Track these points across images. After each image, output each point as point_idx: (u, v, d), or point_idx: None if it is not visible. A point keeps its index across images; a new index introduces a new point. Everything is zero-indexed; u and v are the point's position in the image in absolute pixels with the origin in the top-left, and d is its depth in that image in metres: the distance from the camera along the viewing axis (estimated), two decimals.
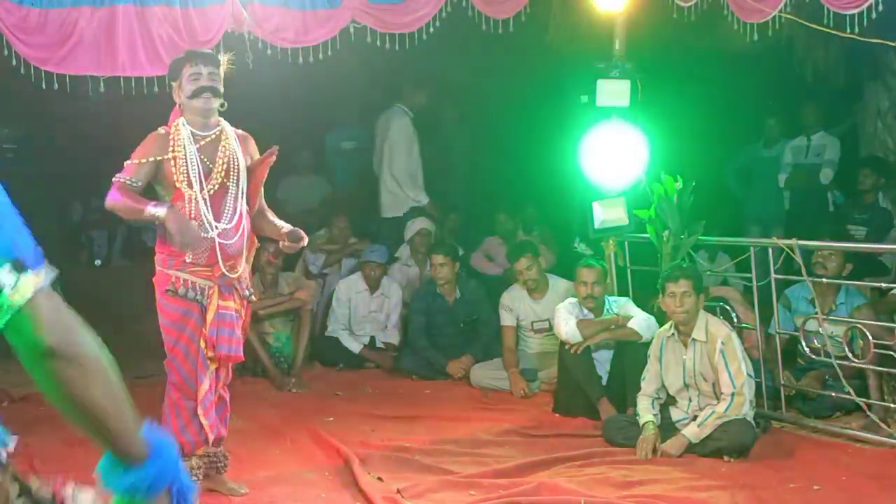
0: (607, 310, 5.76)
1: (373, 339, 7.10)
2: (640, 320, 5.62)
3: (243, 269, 4.14)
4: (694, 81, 7.94)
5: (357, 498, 4.28)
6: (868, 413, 5.04)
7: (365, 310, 7.10)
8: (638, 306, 5.79)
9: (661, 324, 5.36)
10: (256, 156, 4.22)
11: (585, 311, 5.76)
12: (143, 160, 3.99)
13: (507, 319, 6.43)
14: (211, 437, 4.12)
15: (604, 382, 5.66)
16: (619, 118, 5.95)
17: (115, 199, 3.95)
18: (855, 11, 5.00)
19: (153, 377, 6.67)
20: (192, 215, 3.95)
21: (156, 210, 3.87)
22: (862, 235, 7.27)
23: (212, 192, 4.01)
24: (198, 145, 4.02)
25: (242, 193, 4.10)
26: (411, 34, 5.57)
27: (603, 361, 5.71)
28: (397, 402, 6.10)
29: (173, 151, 3.98)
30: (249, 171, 4.14)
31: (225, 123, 4.13)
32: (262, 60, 5.33)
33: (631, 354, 5.50)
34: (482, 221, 8.58)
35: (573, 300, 5.82)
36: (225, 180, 4.03)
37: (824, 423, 5.23)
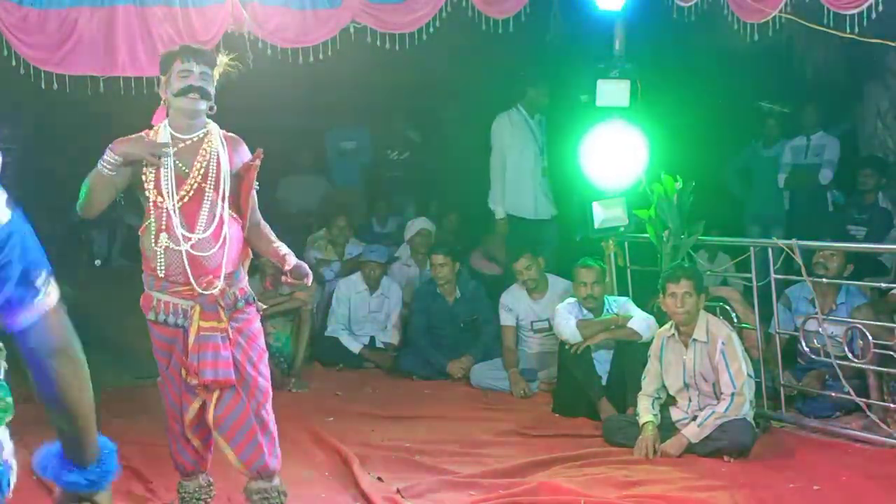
0: (607, 310, 5.76)
1: (373, 339, 7.10)
2: (640, 320, 5.63)
3: (231, 282, 3.70)
4: (694, 81, 7.93)
5: (357, 498, 4.29)
6: (868, 413, 5.04)
7: (365, 310, 7.10)
8: (638, 306, 5.79)
9: (661, 324, 5.36)
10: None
11: (585, 311, 5.76)
12: (122, 147, 3.61)
13: (506, 319, 6.43)
14: (209, 457, 3.91)
15: (604, 382, 5.65)
16: (618, 118, 5.96)
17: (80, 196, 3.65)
18: (855, 11, 5.00)
19: (153, 377, 6.69)
20: (164, 226, 3.59)
21: (102, 158, 3.55)
22: (862, 235, 7.27)
23: (186, 198, 3.61)
24: (175, 149, 3.64)
25: (224, 199, 3.67)
26: (411, 34, 5.57)
27: (603, 361, 5.70)
28: (397, 402, 6.09)
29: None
30: (237, 176, 3.74)
31: (213, 126, 3.76)
32: (262, 60, 5.32)
33: (631, 354, 5.51)
34: (482, 221, 8.58)
35: (573, 300, 5.82)
36: (202, 184, 3.63)
37: (824, 423, 5.23)
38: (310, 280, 3.83)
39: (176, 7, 5.08)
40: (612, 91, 5.94)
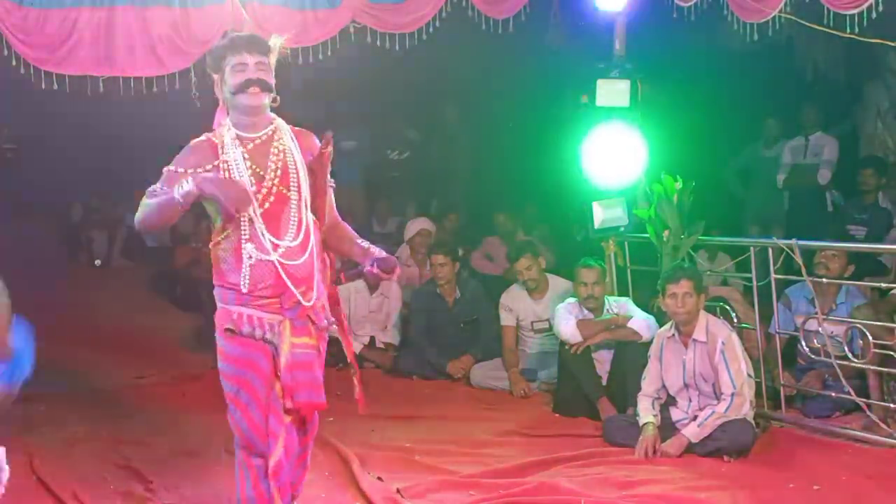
0: (607, 310, 5.76)
1: (373, 339, 7.09)
2: (640, 320, 5.63)
3: (319, 294, 3.39)
4: (694, 81, 7.95)
5: (357, 498, 4.28)
6: (868, 413, 5.03)
7: (365, 310, 7.10)
8: (638, 306, 5.79)
9: (661, 324, 5.36)
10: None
11: (585, 311, 5.76)
12: (181, 169, 3.26)
13: (507, 319, 6.43)
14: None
15: (604, 382, 5.66)
16: (618, 118, 5.96)
17: (140, 209, 3.24)
18: (855, 11, 4.99)
19: (153, 377, 6.70)
20: (248, 237, 3.25)
21: (182, 188, 3.12)
22: (862, 235, 7.27)
23: (266, 203, 3.27)
24: (245, 149, 3.30)
25: (306, 203, 3.36)
26: (411, 34, 5.57)
27: (603, 361, 5.71)
28: (397, 402, 6.09)
29: (219, 159, 3.28)
30: (309, 172, 3.43)
31: (279, 120, 3.47)
32: None
33: (631, 354, 5.50)
34: (482, 221, 8.60)
35: (573, 300, 5.83)
36: (281, 188, 3.31)
37: (824, 423, 5.22)
38: (398, 272, 3.50)
39: (175, 7, 5.09)
40: (612, 91, 5.94)
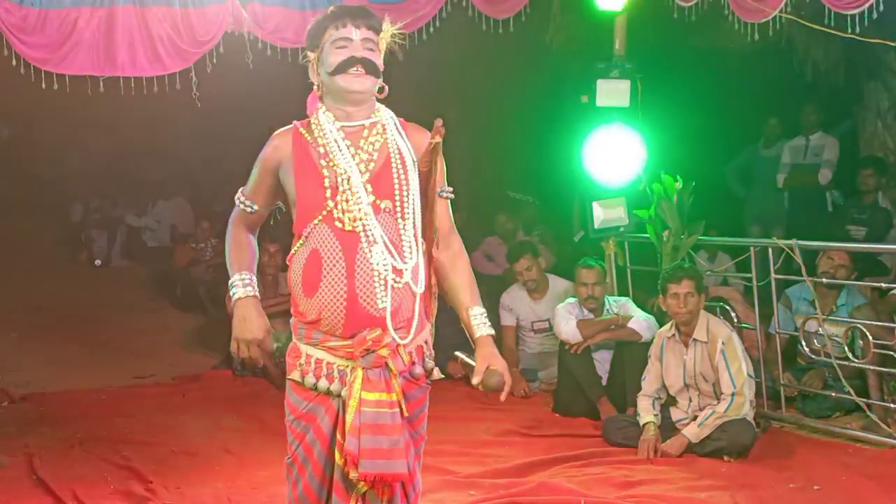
0: (607, 310, 5.76)
1: None
2: (640, 320, 5.63)
3: (398, 336, 2.67)
4: (694, 82, 7.94)
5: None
6: (868, 413, 5.04)
7: None
8: (638, 306, 5.79)
9: (661, 324, 5.37)
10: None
11: (585, 312, 5.76)
12: (256, 171, 2.71)
13: (507, 319, 6.43)
14: None
15: (604, 382, 5.66)
16: (618, 118, 5.96)
17: (227, 236, 2.76)
18: (855, 11, 5.00)
19: (153, 377, 6.70)
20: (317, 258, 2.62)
21: (234, 290, 2.70)
22: (862, 235, 7.27)
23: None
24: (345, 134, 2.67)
25: (410, 215, 2.65)
26: (411, 34, 5.57)
27: (603, 361, 5.71)
28: None
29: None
30: (420, 175, 2.70)
31: (385, 111, 2.75)
32: (262, 60, 5.33)
33: (631, 354, 5.50)
34: (482, 221, 8.60)
35: (573, 300, 5.83)
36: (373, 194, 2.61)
37: (824, 423, 5.23)
38: (505, 393, 2.75)
39: (176, 7, 5.09)
40: (612, 91, 5.94)
